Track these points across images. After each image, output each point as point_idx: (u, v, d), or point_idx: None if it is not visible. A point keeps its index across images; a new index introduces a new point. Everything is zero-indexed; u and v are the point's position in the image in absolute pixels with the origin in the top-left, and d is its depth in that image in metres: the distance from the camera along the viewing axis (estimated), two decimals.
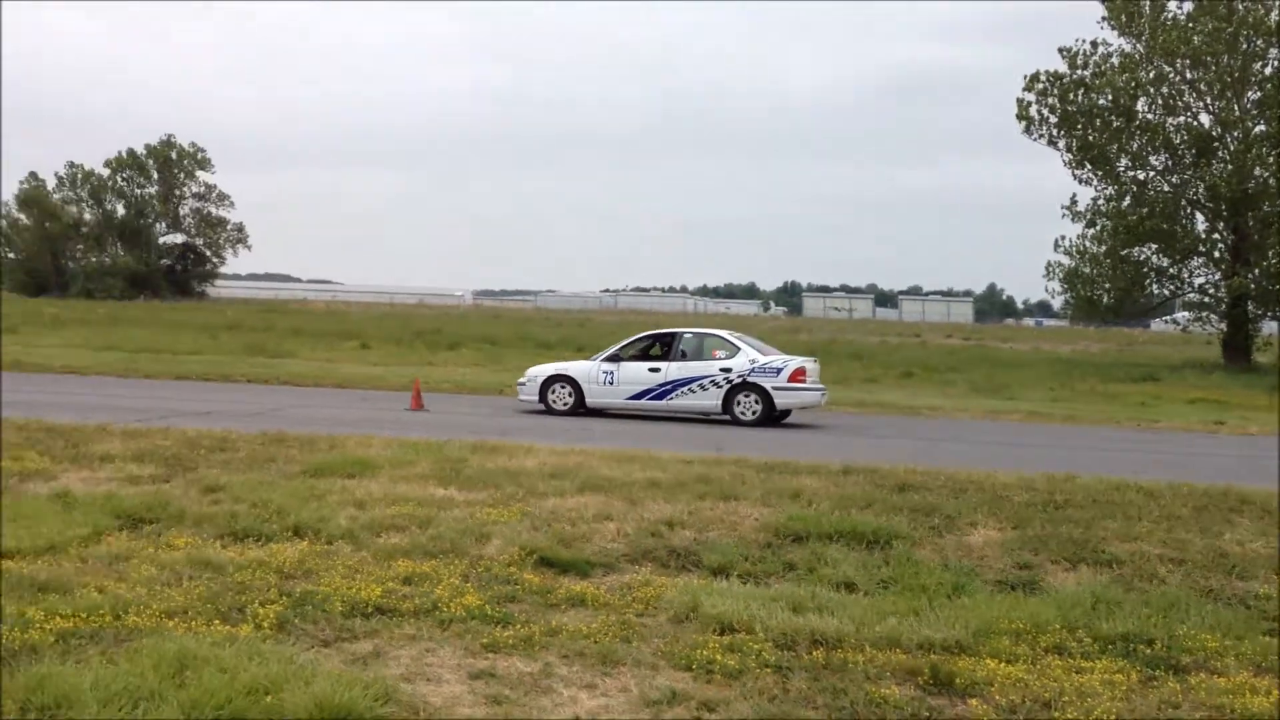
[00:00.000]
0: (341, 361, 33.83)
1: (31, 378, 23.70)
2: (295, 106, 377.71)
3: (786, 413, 20.50)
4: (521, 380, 21.74)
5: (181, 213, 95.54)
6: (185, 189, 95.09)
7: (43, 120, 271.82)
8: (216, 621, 6.85)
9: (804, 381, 20.07)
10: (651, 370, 20.62)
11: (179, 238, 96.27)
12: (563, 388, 20.94)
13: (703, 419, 20.38)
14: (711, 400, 20.12)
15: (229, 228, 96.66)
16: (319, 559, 8.46)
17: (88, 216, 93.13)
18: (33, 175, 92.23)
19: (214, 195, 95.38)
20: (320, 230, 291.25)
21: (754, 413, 19.83)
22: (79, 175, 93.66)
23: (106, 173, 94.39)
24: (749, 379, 19.93)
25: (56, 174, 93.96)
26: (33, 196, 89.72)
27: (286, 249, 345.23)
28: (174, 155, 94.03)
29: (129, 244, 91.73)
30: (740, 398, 19.94)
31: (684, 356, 20.69)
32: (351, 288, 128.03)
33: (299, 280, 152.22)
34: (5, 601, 6.98)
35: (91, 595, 7.20)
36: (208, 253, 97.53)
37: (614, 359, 21.11)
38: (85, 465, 11.69)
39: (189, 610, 7.04)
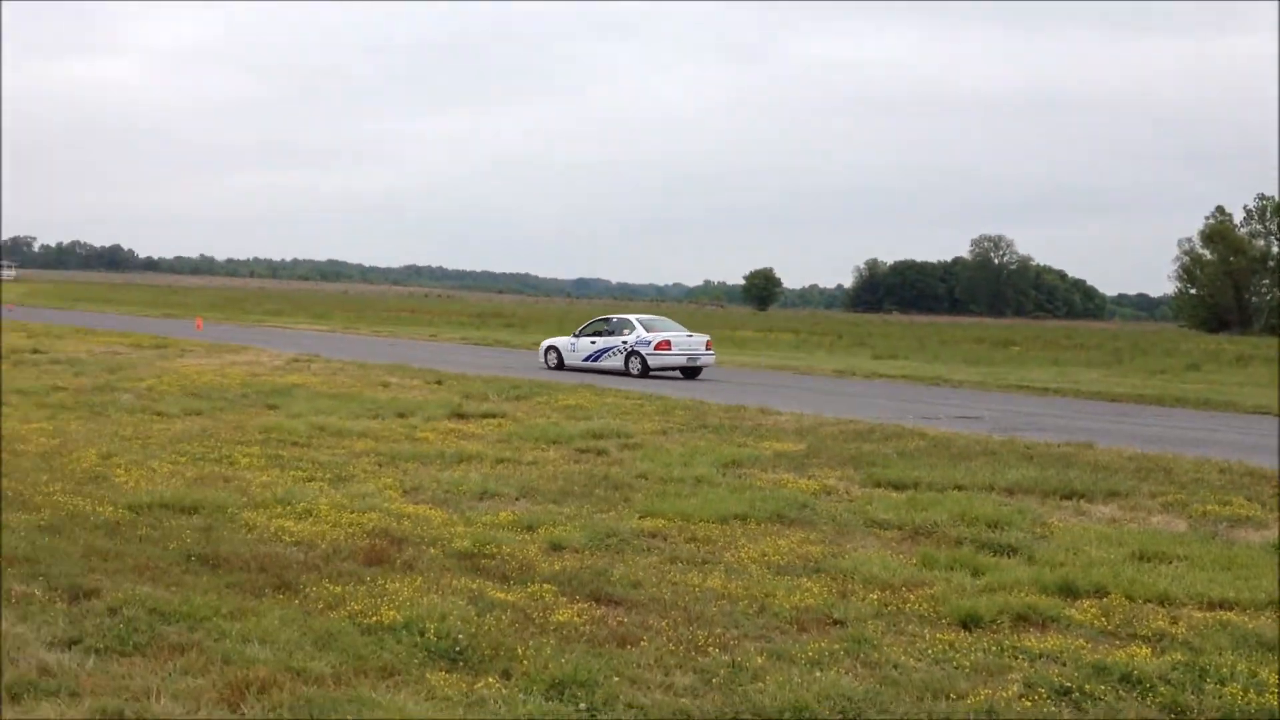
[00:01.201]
0: None
1: (1219, 416, 23.95)
2: None
3: (674, 370, 30.20)
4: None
5: None
6: None
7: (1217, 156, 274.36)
8: None
9: (669, 350, 29.87)
10: (591, 342, 31.47)
11: None
12: (549, 354, 32.18)
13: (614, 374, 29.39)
14: (618, 362, 30.38)
15: None
16: None
17: (1276, 249, 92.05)
18: (1219, 210, 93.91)
19: None
20: None
21: (638, 370, 29.81)
22: (1267, 208, 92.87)
23: None
24: (635, 348, 30.15)
25: (1245, 207, 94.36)
26: (1218, 231, 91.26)
27: None
28: None
29: None
30: (631, 361, 30.10)
31: (609, 334, 31.50)
32: None
33: None
34: None
35: None
36: None
37: (578, 335, 32.46)
38: None
39: None
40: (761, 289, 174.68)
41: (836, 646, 7.19)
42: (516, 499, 11.82)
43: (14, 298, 77.03)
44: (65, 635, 6.67)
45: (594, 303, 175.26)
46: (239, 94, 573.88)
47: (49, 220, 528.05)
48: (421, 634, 6.94)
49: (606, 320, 33.06)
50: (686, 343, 30.56)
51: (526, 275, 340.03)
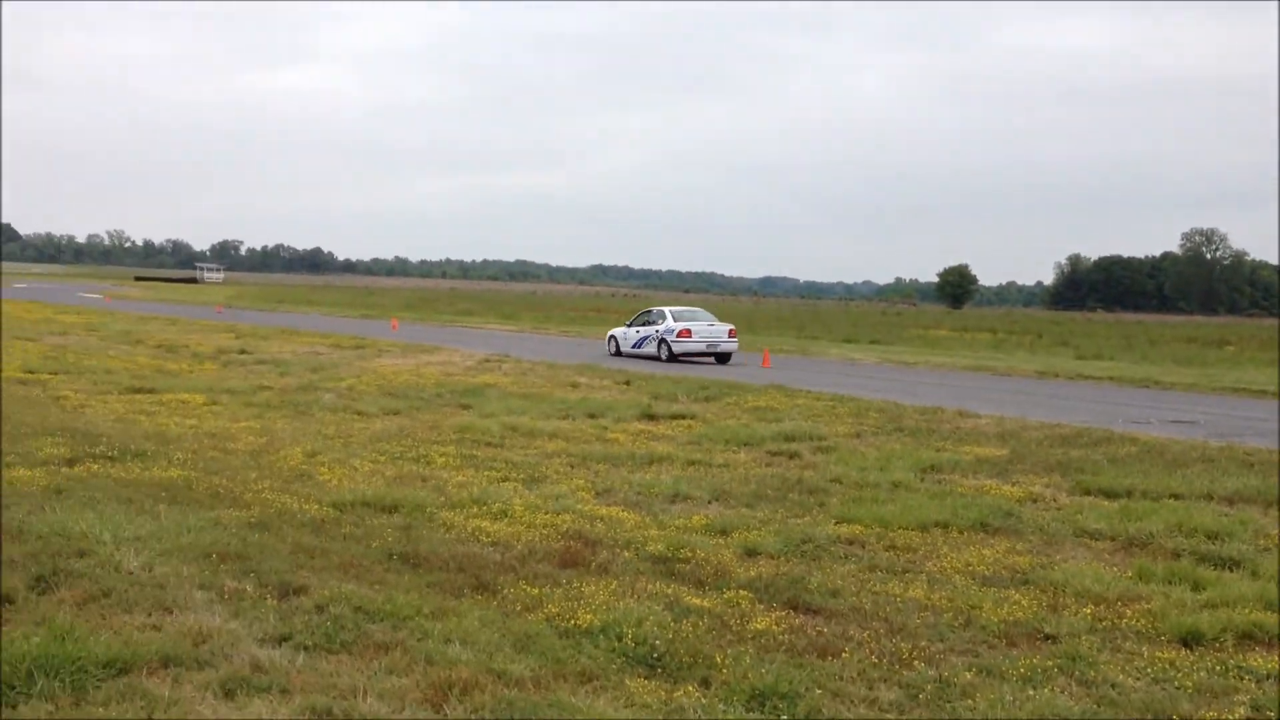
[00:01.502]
0: None
1: None
2: None
3: (699, 356, 32.85)
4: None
5: None
6: None
7: None
8: None
9: (689, 337, 32.85)
10: (637, 332, 34.61)
11: None
12: (610, 342, 35.89)
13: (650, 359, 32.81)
14: (654, 349, 33.40)
15: None
16: None
17: None
18: None
19: None
20: None
21: (666, 356, 32.82)
22: None
23: None
24: (663, 336, 33.23)
25: None
26: None
27: None
28: None
29: None
30: (661, 347, 33.15)
31: (648, 324, 34.46)
32: None
33: None
34: None
35: None
36: None
37: (629, 326, 35.75)
38: None
39: None
40: (956, 286, 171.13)
41: (1049, 663, 6.89)
42: (709, 502, 11.72)
43: (222, 299, 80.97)
44: (276, 632, 6.83)
45: (781, 301, 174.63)
46: (434, 97, 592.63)
47: (255, 224, 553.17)
48: (619, 639, 6.88)
49: (649, 313, 35.58)
50: (707, 331, 33.38)
51: (713, 274, 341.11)
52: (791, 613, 7.83)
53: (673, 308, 35.76)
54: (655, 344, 33.46)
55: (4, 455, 12.27)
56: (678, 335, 32.93)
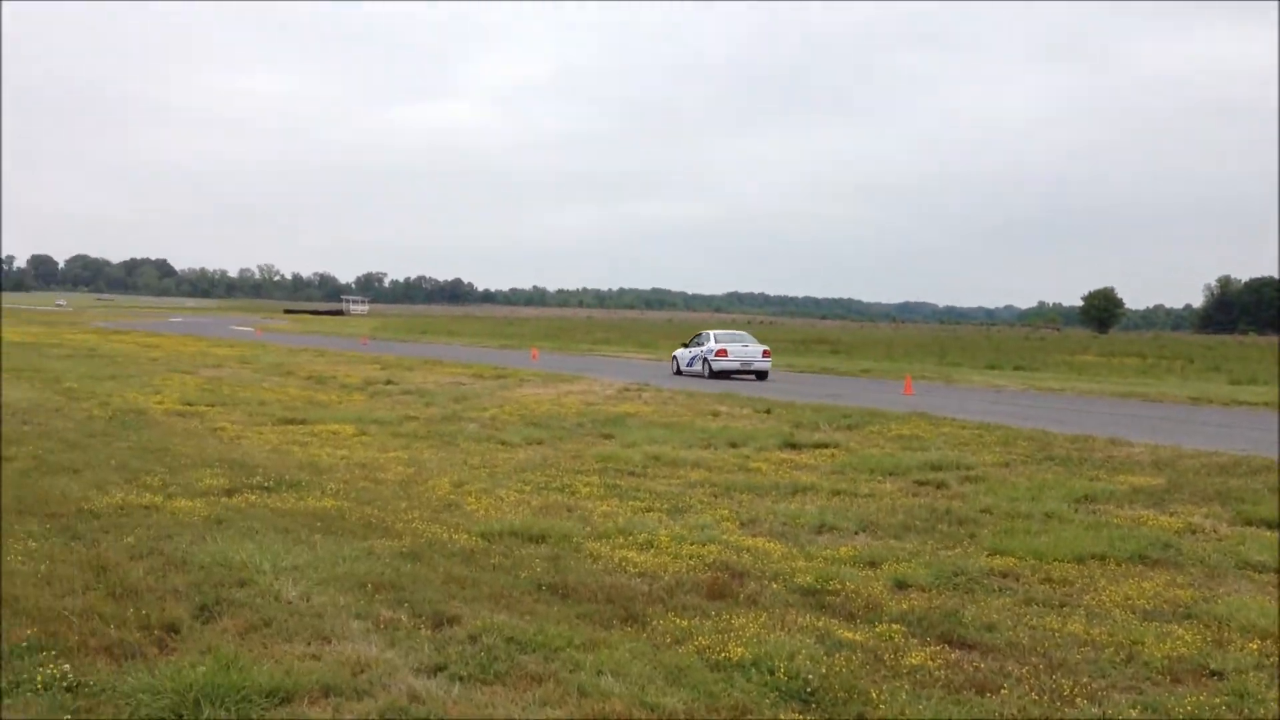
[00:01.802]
0: None
1: None
2: None
3: (733, 374, 36.98)
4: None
5: None
6: None
7: None
8: None
9: (726, 357, 37.07)
10: (690, 352, 39.06)
11: None
12: (672, 362, 40.73)
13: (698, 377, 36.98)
14: (700, 368, 37.78)
15: None
16: None
17: None
18: None
19: None
20: None
21: (708, 373, 37.15)
22: None
23: None
24: (705, 356, 37.72)
25: None
26: None
27: None
28: None
29: None
30: (704, 365, 37.59)
31: (699, 345, 38.93)
32: None
33: None
34: None
35: None
36: None
37: (685, 346, 40.27)
38: None
39: None
40: (1101, 310, 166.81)
41: (1216, 700, 6.64)
42: (856, 533, 11.56)
43: (367, 331, 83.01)
44: (431, 662, 6.91)
45: (920, 327, 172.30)
46: (570, 128, 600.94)
47: (398, 256, 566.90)
48: (770, 673, 6.81)
49: (700, 335, 40.20)
50: (743, 351, 37.65)
51: (849, 300, 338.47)
52: (946, 647, 7.66)
53: (717, 330, 41.09)
54: (700, 362, 37.92)
55: (166, 487, 12.73)
56: (716, 354, 37.31)
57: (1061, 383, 38.76)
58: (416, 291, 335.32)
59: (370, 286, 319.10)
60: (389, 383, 30.49)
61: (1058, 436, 19.55)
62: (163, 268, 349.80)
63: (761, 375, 37.19)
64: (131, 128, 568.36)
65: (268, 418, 20.77)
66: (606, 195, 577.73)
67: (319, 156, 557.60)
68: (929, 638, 7.86)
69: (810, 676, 6.77)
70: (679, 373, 38.74)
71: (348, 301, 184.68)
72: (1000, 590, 9.29)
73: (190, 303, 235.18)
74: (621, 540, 10.70)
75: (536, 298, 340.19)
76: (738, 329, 48.31)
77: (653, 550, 10.33)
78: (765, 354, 37.89)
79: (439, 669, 6.80)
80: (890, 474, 15.39)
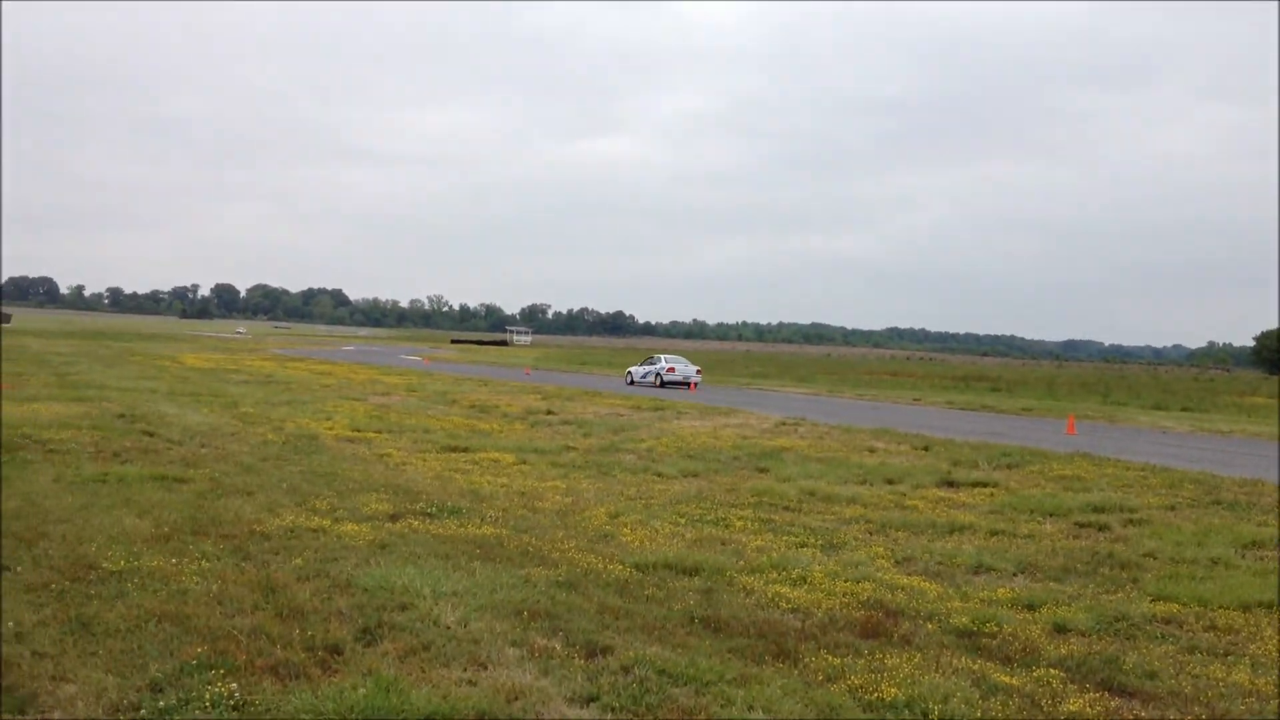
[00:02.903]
0: None
1: None
2: None
3: (676, 384, 52.97)
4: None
5: None
6: None
7: None
8: None
9: (674, 373, 53.39)
10: (643, 369, 55.31)
11: None
12: (628, 376, 56.06)
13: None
14: (653, 380, 53.49)
15: None
16: None
17: None
18: None
19: None
20: None
21: (660, 384, 52.79)
22: None
23: None
24: (659, 371, 53.86)
25: None
26: None
27: None
28: None
29: None
30: (656, 378, 53.39)
31: (652, 364, 55.53)
32: None
33: None
34: None
35: None
36: None
37: (639, 365, 56.99)
38: None
39: None
40: (1275, 351, 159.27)
41: None
42: (1014, 574, 11.34)
43: (530, 361, 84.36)
44: (584, 692, 7.03)
45: (1083, 365, 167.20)
46: (733, 162, 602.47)
47: (562, 288, 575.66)
48: (924, 715, 6.76)
49: (651, 358, 57.89)
50: (684, 369, 54.56)
51: (1012, 336, 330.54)
52: (1106, 694, 7.49)
53: (666, 355, 59.34)
54: (654, 376, 53.98)
55: (334, 511, 13.21)
56: (667, 371, 54.04)
57: (1230, 425, 37.24)
58: (578, 323, 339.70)
59: (534, 318, 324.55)
60: (549, 413, 30.96)
61: (1225, 480, 18.84)
62: (338, 297, 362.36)
63: (692, 386, 52.58)
64: (314, 164, 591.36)
65: (432, 445, 21.32)
66: (767, 228, 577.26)
67: (490, 191, 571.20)
68: (1088, 684, 7.69)
69: None
70: (632, 384, 53.69)
71: (512, 332, 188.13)
72: (1163, 637, 9.03)
73: (363, 331, 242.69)
74: (775, 575, 10.70)
75: (696, 330, 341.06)
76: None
77: (806, 586, 10.31)
78: (699, 371, 55.51)
79: (591, 699, 6.91)
80: (1051, 515, 15.04)
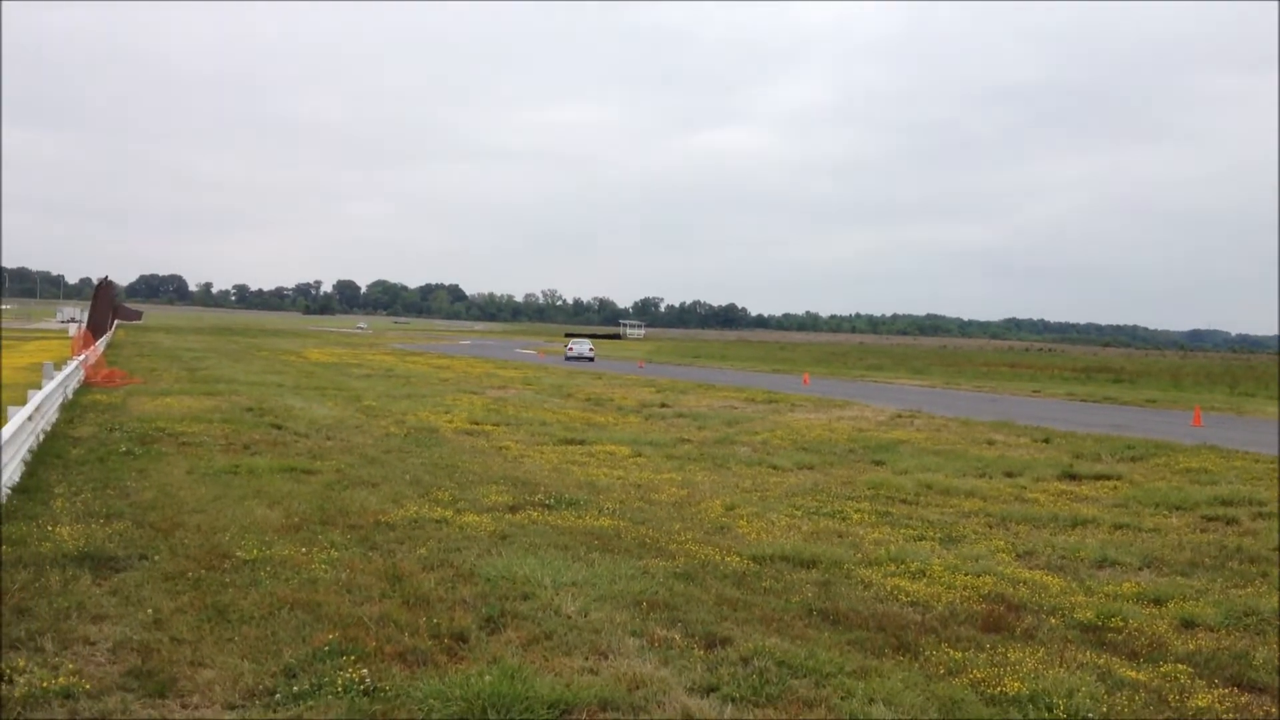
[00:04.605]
0: None
1: None
2: None
3: (584, 359, 72.71)
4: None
5: None
6: None
7: None
8: None
9: (573, 350, 75.41)
10: (568, 348, 78.41)
11: None
12: (568, 350, 78.57)
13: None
14: (571, 356, 74.76)
15: None
16: None
17: None
18: None
19: None
20: None
21: (574, 360, 72.39)
22: None
23: None
24: (571, 347, 77.21)
25: None
26: None
27: None
28: None
29: None
30: (574, 356, 74.90)
31: (570, 343, 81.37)
32: None
33: None
34: None
35: None
36: None
37: (568, 342, 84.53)
38: None
39: None
40: None
41: None
42: (1139, 569, 11.13)
43: (643, 355, 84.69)
44: (704, 682, 7.09)
45: (1210, 355, 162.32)
46: (847, 153, 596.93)
47: (674, 282, 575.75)
48: (1049, 710, 6.70)
49: (573, 335, 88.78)
50: (584, 349, 73.86)
51: (1135, 326, 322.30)
52: (1235, 690, 7.35)
53: (575, 336, 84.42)
54: (572, 355, 73.08)
55: (456, 502, 13.47)
56: (570, 349, 75.24)
57: None
58: (691, 316, 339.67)
59: (647, 311, 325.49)
60: (663, 405, 31.07)
61: None
62: (455, 292, 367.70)
63: (589, 360, 70.04)
64: (434, 162, 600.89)
65: (548, 438, 21.58)
66: (883, 219, 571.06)
67: (606, 186, 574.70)
68: (1217, 680, 7.55)
69: (1090, 715, 6.63)
70: (566, 360, 70.61)
71: (625, 325, 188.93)
72: None
73: (479, 326, 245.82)
74: (893, 568, 10.66)
75: (809, 322, 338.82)
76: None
77: (925, 579, 10.25)
78: (591, 349, 74.44)
79: (711, 689, 6.97)
80: (1177, 508, 14.72)
